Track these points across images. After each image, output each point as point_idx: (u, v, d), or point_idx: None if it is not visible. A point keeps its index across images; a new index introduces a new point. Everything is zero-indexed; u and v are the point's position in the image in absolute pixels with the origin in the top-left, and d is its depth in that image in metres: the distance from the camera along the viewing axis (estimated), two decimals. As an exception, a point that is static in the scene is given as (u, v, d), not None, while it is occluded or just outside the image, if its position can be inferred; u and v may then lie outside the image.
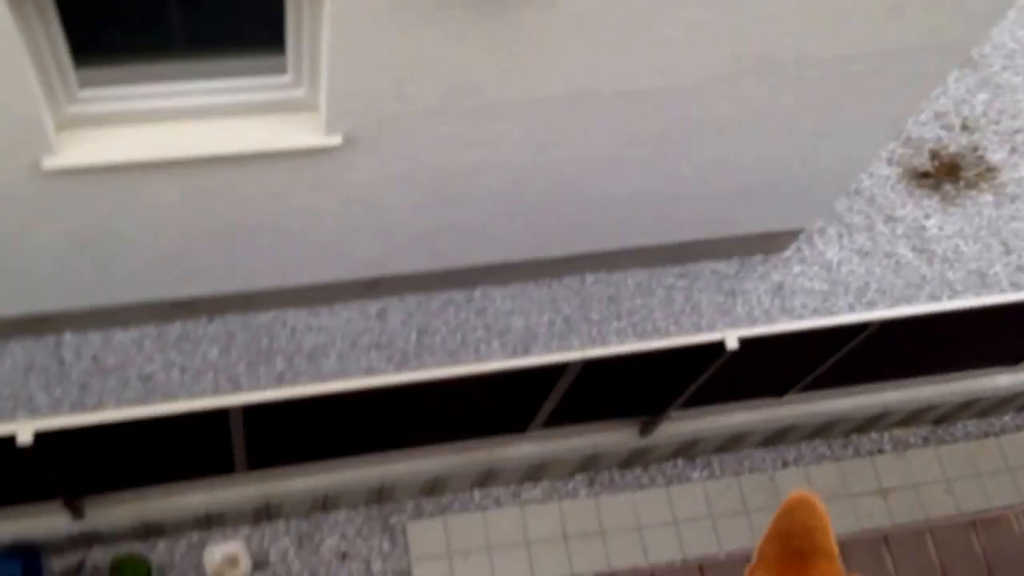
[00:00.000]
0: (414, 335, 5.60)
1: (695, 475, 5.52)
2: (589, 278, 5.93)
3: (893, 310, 4.30)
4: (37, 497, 4.34)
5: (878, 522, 5.43)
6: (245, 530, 5.07)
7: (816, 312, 5.97)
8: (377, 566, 5.06)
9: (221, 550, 4.94)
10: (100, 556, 4.87)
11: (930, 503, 5.58)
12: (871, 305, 6.02)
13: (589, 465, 5.36)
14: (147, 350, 5.30)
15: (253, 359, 5.39)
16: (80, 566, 4.86)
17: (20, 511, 4.48)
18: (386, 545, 5.12)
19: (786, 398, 5.26)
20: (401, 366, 5.47)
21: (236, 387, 5.29)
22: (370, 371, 5.46)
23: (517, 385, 4.29)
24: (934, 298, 6.11)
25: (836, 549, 0.96)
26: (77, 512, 4.47)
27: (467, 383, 4.01)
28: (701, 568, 4.74)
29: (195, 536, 5.02)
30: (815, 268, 6.18)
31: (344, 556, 5.09)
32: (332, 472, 4.82)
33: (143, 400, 5.14)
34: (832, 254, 6.25)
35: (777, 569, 0.94)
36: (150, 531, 4.89)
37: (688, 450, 5.50)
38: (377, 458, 4.84)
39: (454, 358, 5.57)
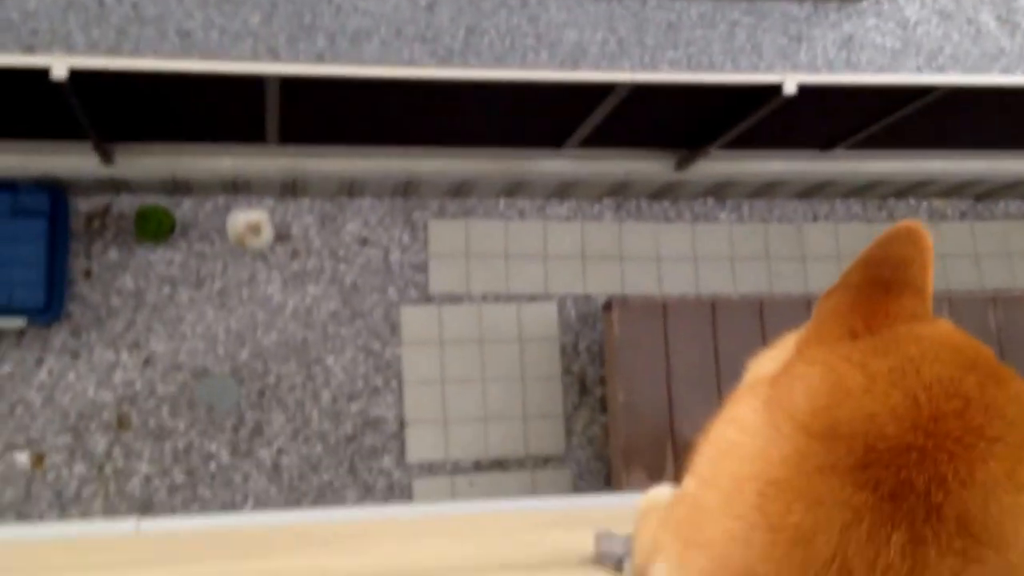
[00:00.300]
0: (462, 33, 5.40)
1: (722, 216, 5.48)
2: (651, 1, 5.64)
3: (964, 76, 4.09)
4: (68, 135, 4.34)
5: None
6: (270, 202, 5.11)
7: (882, 70, 5.71)
8: (395, 256, 5.13)
9: (245, 216, 4.99)
10: (127, 204, 4.94)
11: (955, 276, 5.56)
12: (941, 70, 5.75)
13: (618, 191, 5.31)
14: (187, 5, 5.14)
15: (295, 32, 5.23)
16: (106, 209, 4.94)
17: (52, 147, 4.50)
18: (406, 238, 5.17)
19: (831, 152, 5.12)
20: (445, 62, 5.31)
21: (275, 58, 5.17)
22: (412, 62, 5.31)
23: (560, 99, 4.16)
24: (1007, 72, 5.82)
25: (930, 290, 0.87)
26: (107, 157, 4.49)
27: (510, 89, 3.90)
28: (713, 304, 4.81)
29: (221, 199, 5.06)
30: (890, 24, 5.85)
31: (364, 242, 5.15)
32: (361, 158, 4.79)
33: (179, 56, 5.04)
34: (911, 12, 5.90)
35: (855, 297, 0.86)
36: (178, 187, 4.93)
37: (720, 191, 5.43)
38: (408, 151, 4.80)
39: (500, 62, 5.40)
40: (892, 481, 0.69)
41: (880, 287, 0.84)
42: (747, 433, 0.78)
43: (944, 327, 0.82)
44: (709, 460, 0.81)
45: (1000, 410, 0.73)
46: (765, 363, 0.89)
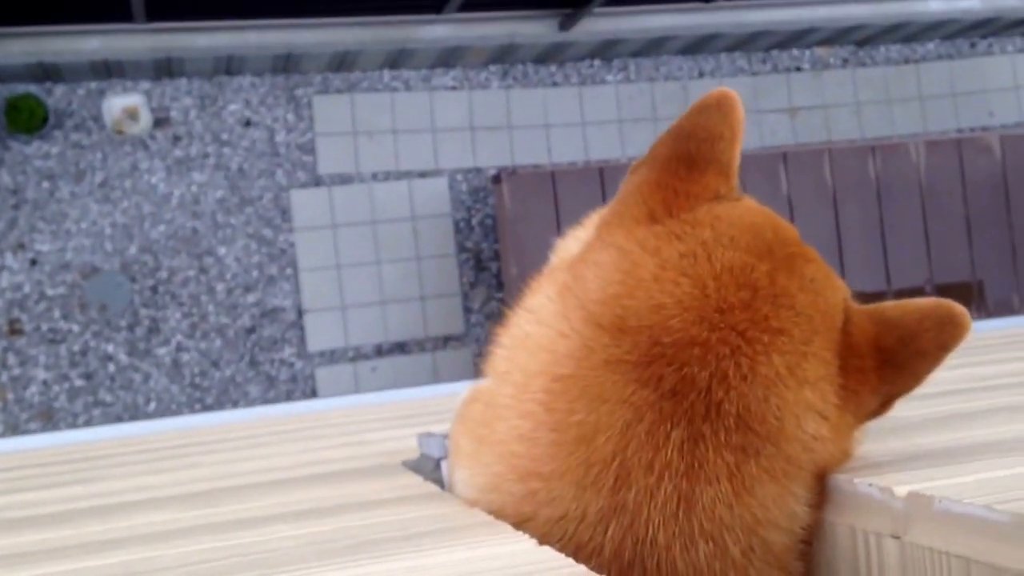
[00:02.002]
0: None
1: (609, 78, 5.45)
2: None
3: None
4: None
5: (781, 140, 5.52)
6: (145, 84, 4.95)
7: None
8: (281, 137, 5.03)
9: (121, 102, 4.85)
10: (-6, 97, 4.74)
11: (836, 126, 5.65)
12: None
13: (504, 57, 5.24)
14: None
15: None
16: (-28, 106, 4.74)
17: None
18: (291, 117, 5.06)
19: (714, 3, 5.08)
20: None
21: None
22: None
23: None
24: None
25: (736, 167, 0.82)
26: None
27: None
28: (602, 171, 4.84)
29: (93, 85, 4.89)
30: None
31: (248, 123, 5.03)
32: (236, 32, 4.64)
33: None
34: None
35: (659, 175, 0.80)
36: (47, 73, 4.74)
37: (606, 51, 5.38)
38: (285, 23, 4.65)
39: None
40: (674, 378, 0.67)
41: (684, 163, 0.79)
42: (541, 324, 0.75)
43: (745, 207, 0.79)
44: (505, 352, 0.78)
45: (789, 300, 0.71)
46: (571, 244, 0.84)
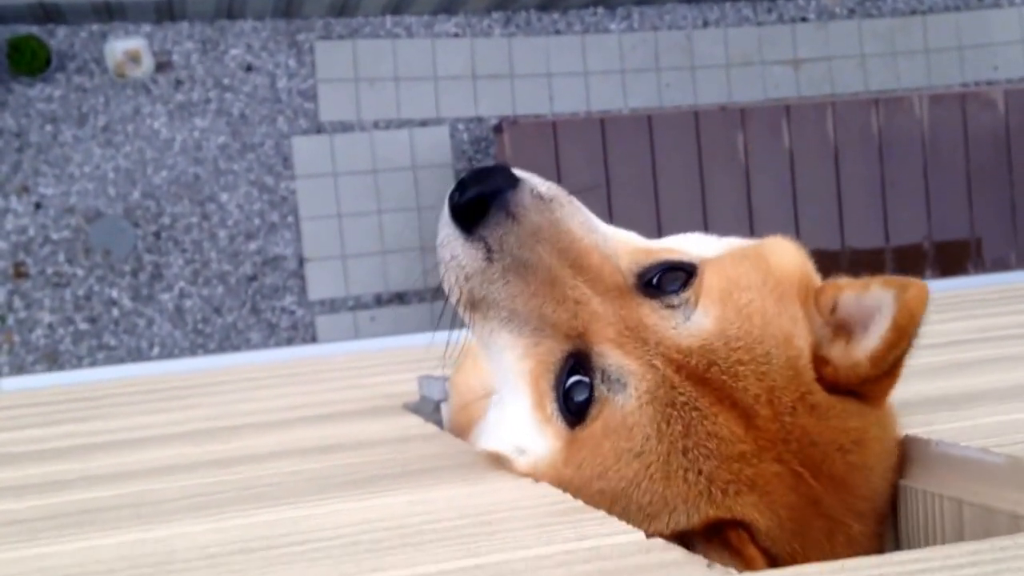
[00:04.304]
0: None
1: (612, 26, 5.41)
2: None
3: None
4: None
5: (784, 92, 5.49)
6: (147, 28, 4.92)
7: None
8: (282, 83, 5.02)
9: (123, 45, 4.83)
10: (-4, 36, 4.72)
11: (840, 78, 5.61)
12: None
13: (506, 3, 5.19)
14: None
15: None
16: (-27, 47, 4.72)
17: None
18: (292, 62, 5.03)
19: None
20: None
21: None
22: None
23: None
24: None
25: None
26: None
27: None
28: (603, 121, 4.83)
29: (95, 27, 4.86)
30: None
31: (249, 68, 5.01)
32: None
33: None
34: None
35: None
36: (48, 15, 4.71)
37: (609, -2, 5.33)
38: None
39: None
40: None
41: None
42: None
43: None
44: None
45: None
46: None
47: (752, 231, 4.76)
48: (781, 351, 0.85)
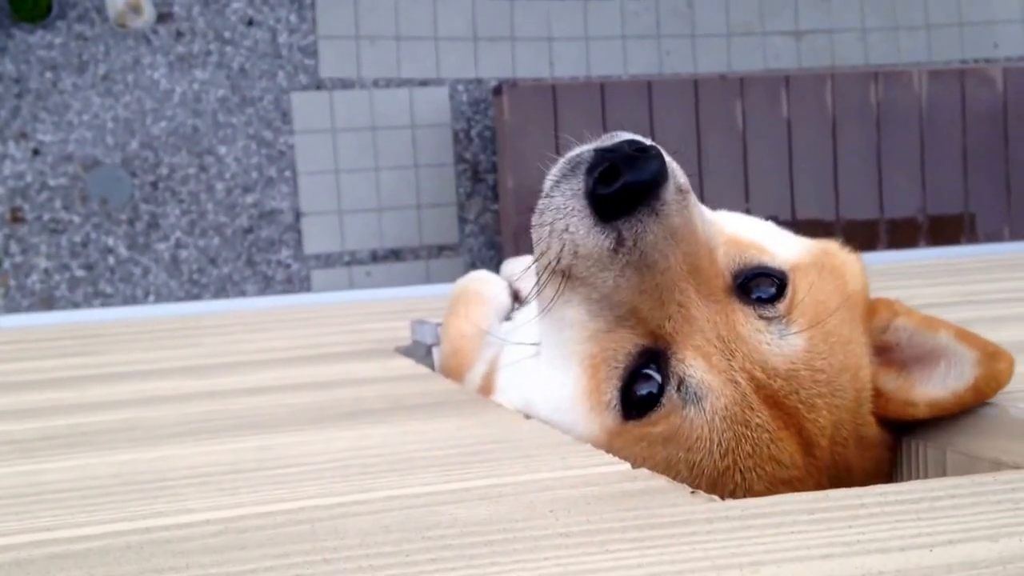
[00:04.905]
0: None
1: (617, -9, 5.38)
2: None
3: None
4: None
5: (785, 64, 5.48)
6: (149, -21, 4.89)
7: None
8: (283, 38, 4.99)
9: (124, -9, 4.81)
10: (-6, -13, 4.69)
11: (841, 51, 5.60)
12: None
13: (511, -36, 5.16)
14: None
15: None
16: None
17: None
18: (294, 18, 5.01)
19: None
20: None
21: None
22: None
23: None
24: None
25: None
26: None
27: None
28: (602, 86, 4.82)
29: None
30: None
31: (250, 22, 4.99)
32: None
33: None
34: None
35: None
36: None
37: (615, -39, 5.30)
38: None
39: None
40: None
41: None
42: None
43: None
44: None
45: None
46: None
47: (747, 199, 4.77)
48: (851, 384, 0.85)
